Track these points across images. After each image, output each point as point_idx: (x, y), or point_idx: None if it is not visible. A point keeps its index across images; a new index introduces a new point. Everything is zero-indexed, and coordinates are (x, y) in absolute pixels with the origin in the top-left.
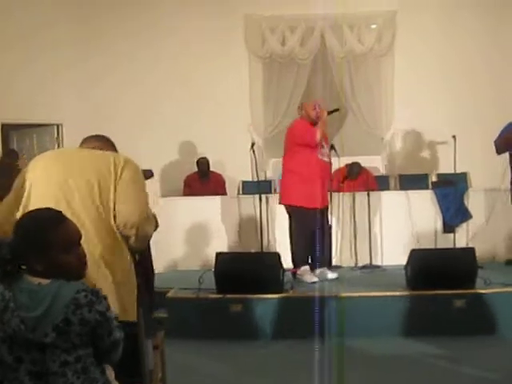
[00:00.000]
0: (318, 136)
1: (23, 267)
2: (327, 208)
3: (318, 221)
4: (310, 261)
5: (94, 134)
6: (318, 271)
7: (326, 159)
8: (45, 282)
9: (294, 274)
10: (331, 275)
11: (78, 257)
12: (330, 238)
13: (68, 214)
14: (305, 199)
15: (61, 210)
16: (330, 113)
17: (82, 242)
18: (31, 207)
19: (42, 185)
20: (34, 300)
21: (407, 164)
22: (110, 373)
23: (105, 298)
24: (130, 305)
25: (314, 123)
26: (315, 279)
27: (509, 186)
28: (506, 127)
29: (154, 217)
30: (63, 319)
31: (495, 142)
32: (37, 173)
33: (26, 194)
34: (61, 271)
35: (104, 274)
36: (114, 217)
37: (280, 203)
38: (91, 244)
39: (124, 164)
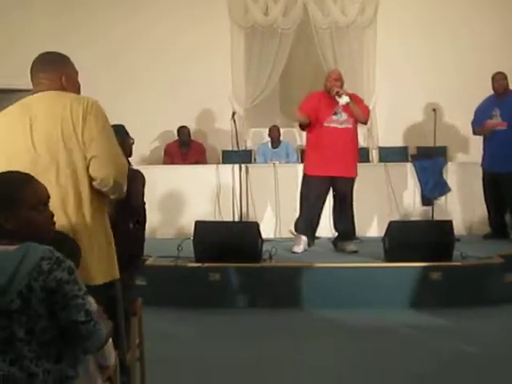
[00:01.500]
0: (310, 104)
1: None
2: (352, 178)
3: (322, 190)
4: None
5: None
6: (338, 244)
7: (338, 126)
8: (11, 248)
9: None
10: (350, 247)
11: (46, 216)
12: (349, 209)
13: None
14: (308, 166)
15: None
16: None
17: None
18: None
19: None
20: None
21: (387, 136)
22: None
23: (69, 268)
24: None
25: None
26: (297, 250)
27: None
28: (481, 106)
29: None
30: (26, 285)
31: (472, 123)
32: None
33: None
34: (29, 230)
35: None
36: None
37: None
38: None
39: (89, 113)
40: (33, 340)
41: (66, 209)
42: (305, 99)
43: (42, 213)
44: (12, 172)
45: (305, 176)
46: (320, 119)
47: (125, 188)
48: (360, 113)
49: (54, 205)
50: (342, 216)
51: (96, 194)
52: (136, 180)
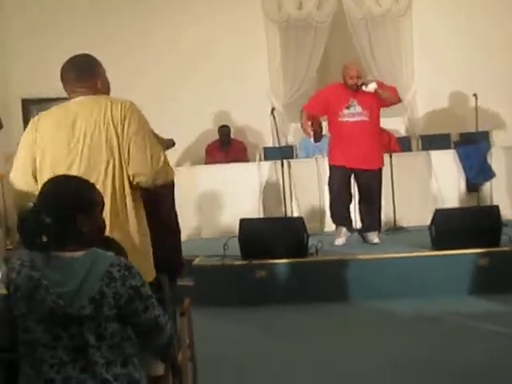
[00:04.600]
0: (318, 103)
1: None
2: (375, 170)
3: (342, 179)
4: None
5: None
6: (364, 235)
7: (351, 119)
8: (76, 255)
9: None
10: (372, 239)
11: (103, 219)
12: (374, 201)
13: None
14: (330, 157)
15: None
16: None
17: None
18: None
19: (52, 157)
20: (67, 275)
21: (428, 124)
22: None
23: (138, 273)
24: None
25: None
26: (337, 243)
27: None
28: None
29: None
30: (98, 291)
31: None
32: (44, 140)
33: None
34: (98, 232)
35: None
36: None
37: None
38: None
39: (128, 114)
40: (103, 345)
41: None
42: (315, 95)
43: (102, 215)
44: (75, 177)
45: (329, 167)
46: (333, 114)
47: (168, 179)
48: (390, 95)
49: None
50: (366, 208)
51: (136, 195)
52: None
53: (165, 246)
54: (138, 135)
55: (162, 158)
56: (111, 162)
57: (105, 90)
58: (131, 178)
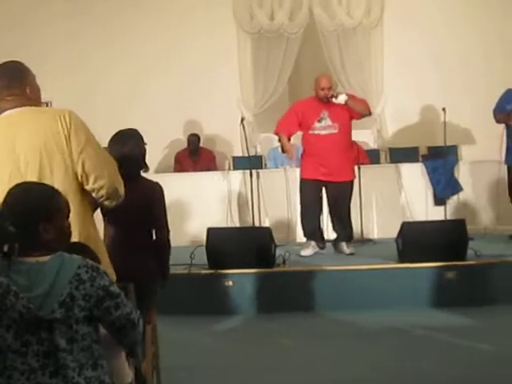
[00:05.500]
0: (289, 120)
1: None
2: (346, 182)
3: (314, 193)
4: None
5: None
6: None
7: (321, 132)
8: (42, 259)
9: None
10: (348, 250)
11: (69, 225)
12: (346, 213)
13: None
14: (301, 170)
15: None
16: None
17: None
18: None
19: None
20: (34, 279)
21: (397, 137)
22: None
23: (105, 273)
24: None
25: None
26: (304, 253)
27: (502, 158)
28: (505, 96)
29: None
30: (68, 294)
31: (494, 111)
32: None
33: None
34: (63, 239)
35: None
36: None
37: None
38: None
39: (69, 129)
40: (74, 348)
41: None
42: (285, 113)
43: (68, 221)
44: (38, 183)
45: (301, 181)
46: (306, 127)
47: (121, 192)
48: (361, 107)
49: None
50: (339, 220)
51: (84, 209)
52: (156, 195)
53: (158, 258)
54: (87, 150)
55: (113, 168)
56: (56, 178)
57: (35, 96)
58: (93, 193)
